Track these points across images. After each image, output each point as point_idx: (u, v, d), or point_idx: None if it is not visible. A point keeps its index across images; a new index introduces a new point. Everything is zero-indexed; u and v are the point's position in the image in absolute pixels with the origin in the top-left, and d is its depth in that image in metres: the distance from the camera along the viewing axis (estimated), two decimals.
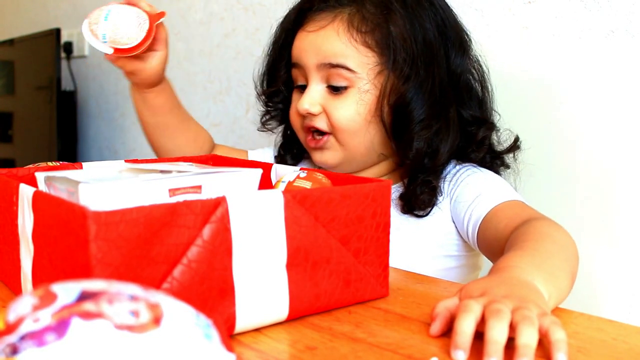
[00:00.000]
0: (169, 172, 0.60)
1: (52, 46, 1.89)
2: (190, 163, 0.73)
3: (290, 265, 0.52)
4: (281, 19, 0.93)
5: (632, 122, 0.89)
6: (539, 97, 0.98)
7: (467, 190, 0.82)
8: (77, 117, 2.13)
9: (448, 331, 0.52)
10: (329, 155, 0.86)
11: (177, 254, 0.46)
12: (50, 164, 0.78)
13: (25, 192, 0.53)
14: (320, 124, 0.85)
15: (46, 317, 0.30)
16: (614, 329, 0.53)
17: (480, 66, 0.89)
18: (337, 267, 0.55)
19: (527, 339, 0.44)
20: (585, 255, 0.93)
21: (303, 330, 0.52)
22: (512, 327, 0.46)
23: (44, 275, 0.51)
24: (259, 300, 0.51)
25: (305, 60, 0.85)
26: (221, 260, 0.48)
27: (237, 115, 1.59)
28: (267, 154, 1.04)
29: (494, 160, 0.88)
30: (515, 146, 0.89)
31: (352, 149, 0.85)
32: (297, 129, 0.90)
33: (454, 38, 0.84)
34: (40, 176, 0.61)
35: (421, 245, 0.84)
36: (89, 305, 0.31)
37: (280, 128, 1.00)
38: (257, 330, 0.52)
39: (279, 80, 0.92)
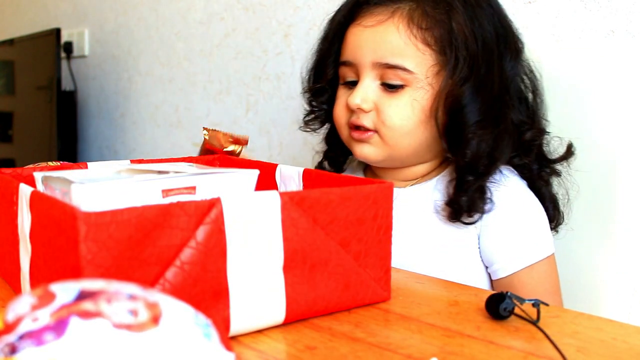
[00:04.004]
0: (166, 172, 0.60)
1: (52, 46, 1.89)
2: (191, 164, 0.73)
3: (287, 268, 0.51)
4: (332, 13, 0.89)
5: (632, 122, 0.89)
6: None
7: (498, 225, 0.80)
8: (77, 117, 2.13)
9: (448, 331, 0.52)
10: (370, 150, 0.83)
11: (170, 255, 0.46)
12: (50, 163, 0.78)
13: (24, 191, 0.53)
14: (367, 122, 0.81)
15: (45, 316, 0.30)
16: (614, 329, 0.53)
17: (532, 73, 0.86)
18: (336, 269, 0.54)
19: None
20: (585, 255, 0.94)
21: (303, 330, 0.52)
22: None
23: (39, 275, 0.51)
24: (254, 304, 0.50)
25: (359, 58, 0.81)
26: (215, 262, 0.48)
27: (237, 115, 1.59)
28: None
29: (542, 169, 0.85)
30: (569, 153, 0.86)
31: (399, 149, 0.82)
32: (341, 124, 0.86)
33: (508, 41, 0.82)
34: (38, 176, 0.61)
35: (447, 253, 0.82)
36: (87, 305, 0.31)
37: (322, 131, 0.96)
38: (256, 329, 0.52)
39: (326, 77, 0.88)
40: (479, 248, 0.82)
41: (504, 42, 0.81)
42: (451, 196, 0.80)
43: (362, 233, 0.56)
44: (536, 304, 0.54)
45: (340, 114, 0.86)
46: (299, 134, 1.12)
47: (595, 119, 0.93)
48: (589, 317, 0.56)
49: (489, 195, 0.79)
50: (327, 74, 0.88)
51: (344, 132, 0.86)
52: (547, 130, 0.86)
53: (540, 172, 0.85)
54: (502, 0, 1.01)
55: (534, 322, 0.53)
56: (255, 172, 0.62)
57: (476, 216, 0.79)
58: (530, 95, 0.86)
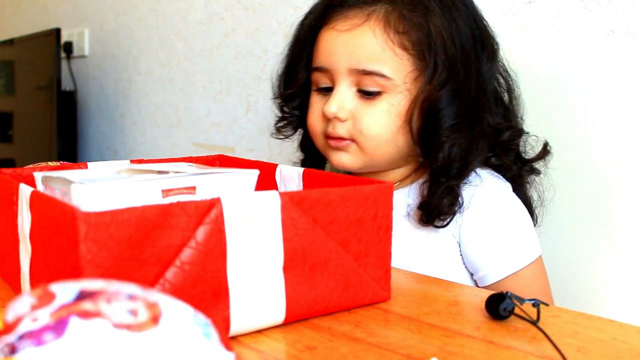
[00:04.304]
0: (166, 172, 0.60)
1: (52, 46, 1.89)
2: (191, 164, 0.73)
3: (287, 268, 0.51)
4: (302, 17, 0.86)
5: (632, 122, 0.89)
6: (538, 97, 0.98)
7: (477, 228, 0.78)
8: (77, 117, 2.13)
9: (448, 331, 0.52)
10: (348, 158, 0.80)
11: (170, 255, 0.46)
12: (50, 164, 0.78)
13: (24, 191, 0.53)
14: (343, 131, 0.78)
15: (45, 316, 0.30)
16: (614, 329, 0.53)
17: (508, 74, 0.85)
18: (336, 269, 0.54)
19: None
20: (585, 255, 0.94)
21: (303, 330, 0.52)
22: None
23: (39, 275, 0.51)
24: (254, 303, 0.50)
25: (334, 64, 0.78)
26: (215, 262, 0.48)
27: (237, 115, 1.59)
28: None
29: (522, 168, 0.84)
30: (545, 152, 0.85)
31: (377, 156, 0.80)
32: (316, 133, 0.83)
33: (484, 42, 0.80)
34: (38, 176, 0.61)
35: (429, 256, 0.81)
36: (87, 305, 0.31)
37: (297, 137, 0.93)
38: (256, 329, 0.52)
39: (298, 82, 0.85)
40: (461, 255, 0.80)
41: (481, 43, 0.80)
42: (423, 199, 0.79)
43: (362, 233, 0.56)
44: (536, 304, 0.54)
45: (315, 122, 0.83)
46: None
47: (595, 119, 0.93)
48: (589, 317, 0.56)
49: (460, 197, 0.77)
50: (299, 79, 0.85)
51: (319, 140, 0.84)
52: (526, 131, 0.85)
53: (520, 172, 0.84)
54: (502, 0, 1.02)
55: (534, 322, 0.53)
56: (255, 172, 0.62)
57: (448, 219, 0.77)
58: (505, 96, 0.85)
